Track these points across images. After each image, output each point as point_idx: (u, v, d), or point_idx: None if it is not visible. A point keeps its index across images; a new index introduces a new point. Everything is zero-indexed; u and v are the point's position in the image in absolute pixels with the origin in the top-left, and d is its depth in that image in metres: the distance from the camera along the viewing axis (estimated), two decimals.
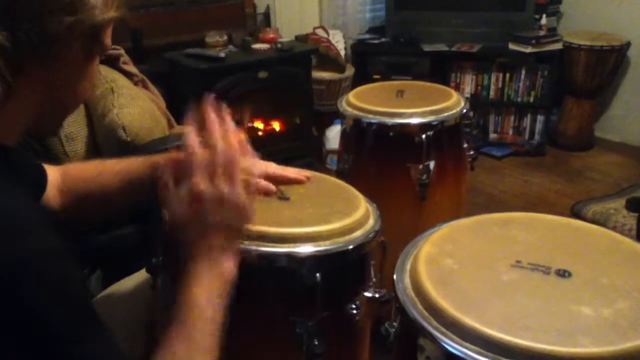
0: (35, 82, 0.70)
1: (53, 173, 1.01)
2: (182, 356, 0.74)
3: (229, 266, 0.82)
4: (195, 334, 0.75)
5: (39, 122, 0.75)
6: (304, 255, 0.93)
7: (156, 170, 1.00)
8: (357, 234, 0.99)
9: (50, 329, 0.61)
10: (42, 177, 0.97)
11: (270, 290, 0.96)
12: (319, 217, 0.98)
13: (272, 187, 1.01)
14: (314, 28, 3.45)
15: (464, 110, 1.68)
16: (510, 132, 3.63)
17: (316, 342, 0.93)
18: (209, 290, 0.79)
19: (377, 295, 1.04)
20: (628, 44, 3.41)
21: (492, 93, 3.57)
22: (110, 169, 1.05)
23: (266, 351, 0.98)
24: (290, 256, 0.92)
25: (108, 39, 0.78)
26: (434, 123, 1.61)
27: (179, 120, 2.20)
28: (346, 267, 1.01)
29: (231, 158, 0.83)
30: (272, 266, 0.93)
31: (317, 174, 1.21)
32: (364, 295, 1.03)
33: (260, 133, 3.16)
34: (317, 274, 0.92)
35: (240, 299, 0.87)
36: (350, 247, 0.97)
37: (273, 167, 1.07)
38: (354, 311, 1.00)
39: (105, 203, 1.05)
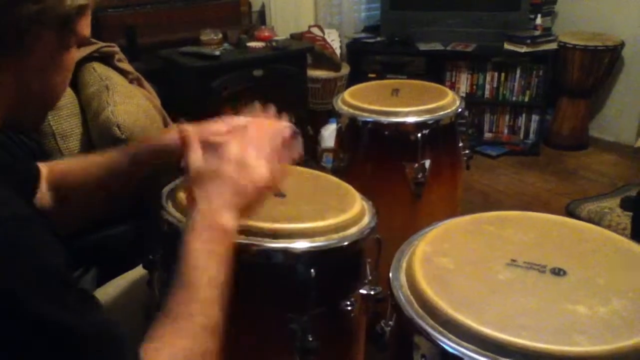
0: (4, 75, 0.69)
1: (42, 170, 1.01)
2: (180, 302, 0.73)
3: (229, 222, 0.80)
4: (191, 281, 0.75)
5: (16, 116, 0.73)
6: (299, 251, 0.93)
7: (132, 159, 1.03)
8: (353, 230, 1.00)
9: (19, 297, 0.57)
10: (36, 171, 0.98)
11: (265, 286, 0.96)
12: (314, 213, 0.98)
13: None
14: (309, 26, 3.44)
15: (459, 109, 1.68)
16: (505, 131, 3.64)
17: (310, 338, 0.93)
18: (207, 242, 0.78)
19: (372, 293, 1.04)
20: (622, 44, 3.43)
21: (487, 92, 3.58)
22: (92, 163, 1.06)
23: (259, 346, 0.98)
24: (285, 252, 0.92)
25: (85, 29, 0.75)
26: (430, 122, 1.61)
27: (174, 118, 2.19)
28: (341, 264, 1.01)
29: (267, 134, 0.89)
30: (267, 262, 0.93)
31: (312, 171, 1.21)
32: (359, 292, 1.03)
33: None
34: (312, 270, 0.92)
35: (235, 294, 0.86)
36: (346, 243, 0.97)
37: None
38: (349, 308, 1.00)
39: (89, 196, 1.05)
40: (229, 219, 0.81)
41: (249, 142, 0.87)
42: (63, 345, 0.59)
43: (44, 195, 0.99)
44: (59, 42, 0.72)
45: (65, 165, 1.07)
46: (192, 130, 0.92)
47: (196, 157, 0.87)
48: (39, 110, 0.80)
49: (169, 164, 1.03)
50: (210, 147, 0.87)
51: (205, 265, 0.77)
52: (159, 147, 1.03)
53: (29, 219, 0.63)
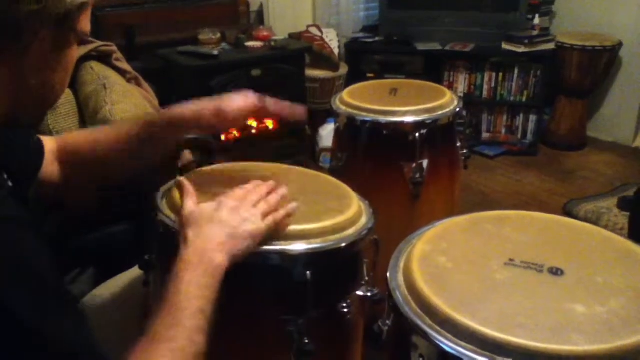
0: (3, 71, 0.69)
1: (50, 144, 1.01)
2: (165, 325, 0.74)
3: (221, 262, 0.82)
4: (178, 306, 0.76)
5: (15, 113, 0.73)
6: (296, 253, 0.92)
7: (152, 126, 1.04)
8: (350, 231, 0.99)
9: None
10: (39, 152, 0.97)
11: (262, 288, 0.96)
12: (311, 214, 0.98)
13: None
14: (308, 26, 3.44)
15: (458, 109, 1.68)
16: (503, 131, 3.64)
17: (306, 341, 0.92)
18: (198, 274, 0.79)
19: (369, 294, 1.03)
20: (620, 44, 3.43)
21: (485, 92, 3.58)
22: (106, 135, 1.06)
23: (256, 349, 0.98)
24: (282, 254, 0.92)
25: (84, 26, 0.75)
26: (428, 121, 1.61)
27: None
28: (338, 265, 1.00)
29: (269, 193, 0.94)
30: (264, 264, 0.93)
31: (310, 171, 1.21)
32: (356, 294, 1.03)
33: (253, 131, 3.15)
34: (309, 272, 0.91)
35: (232, 296, 0.86)
36: (343, 245, 0.96)
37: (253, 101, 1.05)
38: (346, 310, 1.00)
39: (105, 169, 1.05)
40: (220, 259, 0.83)
41: (246, 195, 0.92)
42: (33, 348, 0.59)
43: (52, 168, 0.99)
44: (58, 40, 0.71)
45: (75, 138, 1.07)
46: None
47: (191, 202, 0.91)
48: (37, 108, 0.79)
49: (182, 137, 1.05)
50: (208, 194, 0.93)
51: (195, 294, 0.78)
52: (174, 117, 1.03)
53: (14, 220, 0.63)
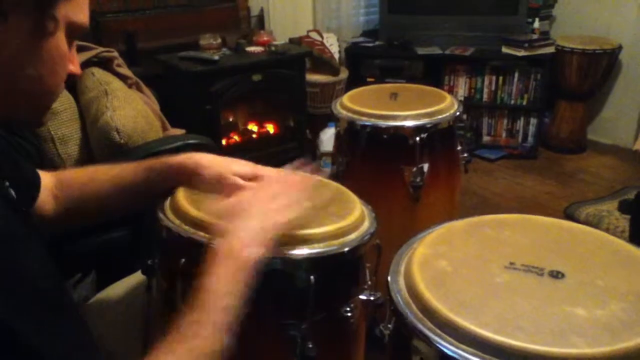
0: None
1: (47, 178, 0.99)
2: (191, 321, 0.74)
3: (253, 256, 0.83)
4: (206, 303, 0.76)
5: (8, 111, 0.70)
6: (299, 258, 0.92)
7: (151, 173, 1.01)
8: (352, 236, 0.99)
9: None
10: (36, 178, 0.96)
11: (264, 293, 0.96)
12: (313, 219, 0.98)
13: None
14: (308, 31, 3.45)
15: (458, 113, 1.69)
16: (503, 134, 3.65)
17: (310, 345, 0.92)
18: (229, 271, 0.79)
19: (372, 298, 1.03)
20: (619, 48, 3.44)
21: (485, 96, 3.59)
22: (104, 175, 1.03)
23: (259, 353, 0.98)
24: (284, 259, 0.92)
25: (78, 16, 0.71)
26: (428, 125, 1.61)
27: (173, 122, 2.20)
28: (341, 270, 1.00)
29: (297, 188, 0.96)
30: (266, 268, 0.93)
31: (312, 176, 1.21)
32: (358, 298, 1.03)
33: (254, 135, 3.16)
34: (312, 277, 0.91)
35: None
36: (345, 249, 0.96)
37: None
38: (349, 314, 1.00)
39: (99, 209, 1.04)
40: (252, 253, 0.82)
41: (275, 190, 0.93)
42: (24, 355, 0.58)
43: (46, 203, 0.98)
44: (36, 28, 0.66)
45: (72, 175, 1.06)
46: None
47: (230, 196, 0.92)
48: (31, 105, 0.73)
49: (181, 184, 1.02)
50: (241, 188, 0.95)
51: (224, 291, 0.77)
52: (175, 167, 1.01)
53: (13, 235, 0.62)
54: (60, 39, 0.70)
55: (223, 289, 0.77)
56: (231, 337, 0.76)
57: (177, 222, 0.97)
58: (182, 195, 1.00)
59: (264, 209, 0.88)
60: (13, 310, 0.57)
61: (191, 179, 1.00)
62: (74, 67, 0.77)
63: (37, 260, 0.64)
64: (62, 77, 0.74)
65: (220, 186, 0.98)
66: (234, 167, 1.00)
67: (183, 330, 0.73)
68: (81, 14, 0.72)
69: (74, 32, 0.72)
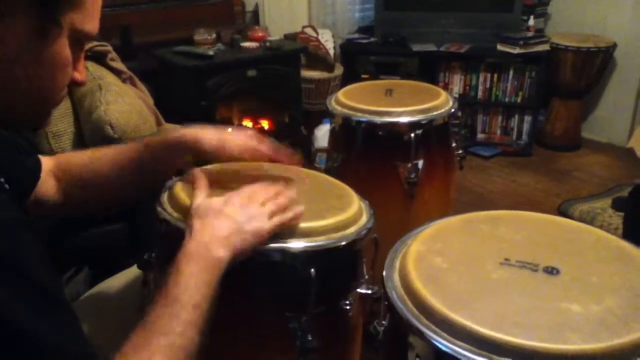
0: None
1: (47, 162, 1.00)
2: (161, 316, 0.74)
3: (223, 256, 0.82)
4: (176, 299, 0.76)
5: (9, 111, 0.69)
6: (298, 251, 0.92)
7: (152, 149, 1.02)
8: (351, 230, 1.00)
9: None
10: (36, 167, 0.96)
11: (265, 285, 0.96)
12: (313, 212, 0.98)
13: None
14: (303, 27, 3.44)
15: (453, 110, 1.69)
16: (498, 132, 3.66)
17: (310, 337, 0.93)
18: (199, 269, 0.79)
19: (369, 292, 1.04)
20: (614, 46, 3.45)
21: (480, 93, 3.59)
22: (105, 155, 1.04)
23: (259, 346, 0.98)
24: (284, 251, 0.92)
25: (86, 25, 0.70)
26: (423, 122, 1.61)
27: (167, 117, 2.19)
28: (340, 263, 1.01)
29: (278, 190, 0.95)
30: (266, 261, 0.93)
31: (309, 171, 1.21)
32: (356, 291, 1.03)
33: None
34: (312, 270, 0.92)
35: (234, 294, 0.87)
36: (344, 243, 0.97)
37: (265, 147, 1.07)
38: (347, 307, 1.00)
39: (100, 188, 1.04)
40: (223, 253, 0.82)
41: (255, 193, 0.92)
42: (19, 350, 0.58)
43: (47, 183, 0.98)
44: (37, 30, 0.65)
45: (73, 158, 1.06)
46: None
47: (202, 194, 0.92)
48: (31, 105, 0.73)
49: (181, 161, 1.04)
50: (218, 189, 0.94)
51: (194, 288, 0.77)
52: (174, 141, 1.02)
53: (9, 222, 0.62)
54: (63, 44, 0.69)
55: (193, 286, 0.77)
56: (203, 338, 0.75)
57: (176, 215, 0.96)
58: (180, 188, 1.00)
59: (247, 211, 0.88)
60: (9, 300, 0.57)
61: (192, 151, 1.01)
62: (79, 75, 0.76)
63: (33, 251, 0.64)
64: (62, 83, 0.73)
65: (221, 155, 1.00)
66: (231, 136, 1.02)
67: (155, 324, 0.73)
68: (89, 24, 0.71)
69: (80, 39, 0.71)
